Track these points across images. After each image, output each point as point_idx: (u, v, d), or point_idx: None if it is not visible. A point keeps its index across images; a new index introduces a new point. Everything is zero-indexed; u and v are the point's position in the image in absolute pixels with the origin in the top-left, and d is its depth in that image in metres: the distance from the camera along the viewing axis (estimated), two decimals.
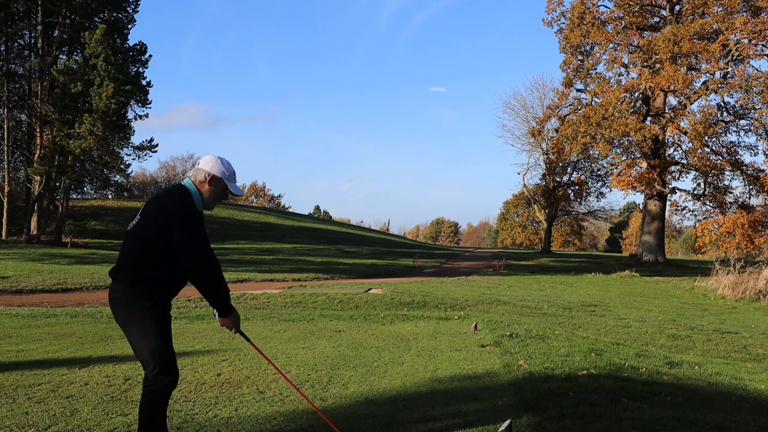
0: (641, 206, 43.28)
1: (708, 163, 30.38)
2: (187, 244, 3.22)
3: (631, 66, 30.89)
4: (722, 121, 31.49)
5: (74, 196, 37.93)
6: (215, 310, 3.44)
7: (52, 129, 28.03)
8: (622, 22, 31.07)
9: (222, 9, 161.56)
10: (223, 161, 3.43)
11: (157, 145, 31.84)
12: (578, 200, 47.82)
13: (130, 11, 31.21)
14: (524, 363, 5.85)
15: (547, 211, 46.49)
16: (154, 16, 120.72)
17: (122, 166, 30.63)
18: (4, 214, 29.73)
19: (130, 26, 30.87)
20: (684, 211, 33.17)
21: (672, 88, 28.17)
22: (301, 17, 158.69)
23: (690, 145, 30.91)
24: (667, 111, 31.29)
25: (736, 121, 31.71)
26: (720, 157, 31.15)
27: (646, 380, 5.50)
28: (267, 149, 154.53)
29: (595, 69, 31.25)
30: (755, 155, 36.24)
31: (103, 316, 9.33)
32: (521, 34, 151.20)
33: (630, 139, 29.79)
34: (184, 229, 3.22)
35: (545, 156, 44.57)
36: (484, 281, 20.67)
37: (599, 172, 42.73)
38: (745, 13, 28.25)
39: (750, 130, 32.02)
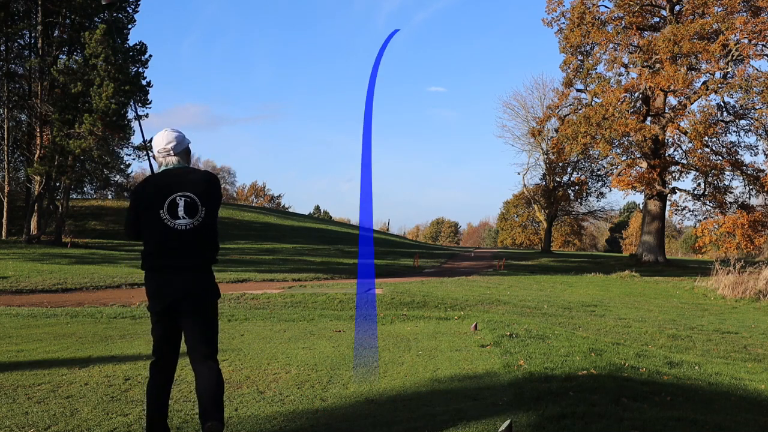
0: (641, 206, 43.32)
1: (708, 163, 30.38)
2: None
3: (631, 66, 30.89)
4: (722, 121, 31.48)
5: (74, 196, 37.92)
6: None
7: (52, 129, 28.03)
8: (622, 22, 31.06)
9: (220, 9, 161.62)
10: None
11: None
12: (578, 200, 47.82)
13: (130, 11, 31.22)
14: (524, 363, 5.85)
15: (547, 211, 46.49)
16: (153, 16, 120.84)
17: (122, 166, 30.65)
18: (4, 214, 29.73)
19: (130, 26, 30.88)
20: (684, 211, 33.19)
21: (672, 88, 28.16)
22: (300, 17, 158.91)
23: (690, 145, 30.91)
24: (667, 111, 31.28)
25: (736, 121, 31.71)
26: (720, 157, 31.14)
27: (646, 380, 5.50)
28: (267, 149, 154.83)
29: (595, 69, 31.25)
30: (755, 155, 36.28)
31: (103, 316, 9.33)
32: (521, 34, 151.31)
33: (630, 139, 29.79)
34: None
35: (545, 156, 44.57)
36: (484, 281, 20.67)
37: (599, 172, 42.73)
38: (745, 13, 28.25)
39: (750, 130, 32.02)
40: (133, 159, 36.95)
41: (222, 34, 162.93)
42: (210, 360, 3.50)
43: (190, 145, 3.69)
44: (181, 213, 3.43)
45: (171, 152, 3.55)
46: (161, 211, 3.42)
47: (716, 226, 29.54)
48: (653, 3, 31.64)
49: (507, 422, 3.75)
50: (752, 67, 28.70)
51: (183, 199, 3.45)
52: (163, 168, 3.58)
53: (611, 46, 31.06)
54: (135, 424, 4.00)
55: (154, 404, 3.50)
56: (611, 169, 36.49)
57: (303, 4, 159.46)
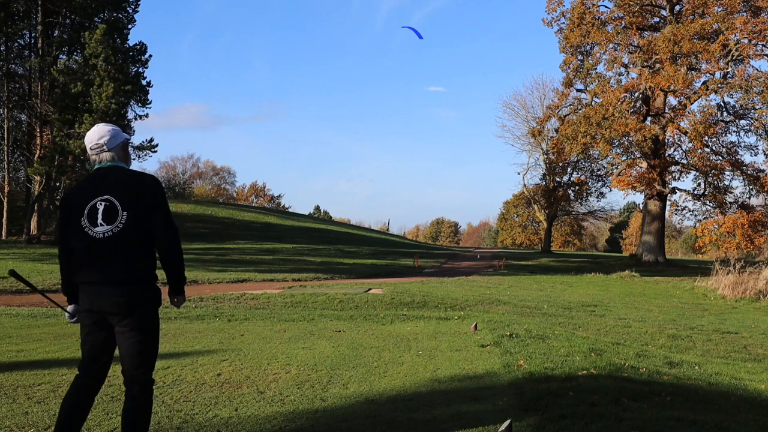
0: (641, 206, 43.30)
1: (708, 163, 30.37)
2: None
3: (631, 66, 30.88)
4: (722, 121, 31.47)
5: None
6: None
7: (52, 129, 28.04)
8: (622, 22, 31.05)
9: (217, 9, 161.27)
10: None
11: (157, 145, 31.83)
12: (578, 200, 47.84)
13: (130, 11, 31.24)
14: (524, 363, 5.85)
15: (547, 211, 46.49)
16: (150, 16, 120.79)
17: None
18: (4, 214, 29.74)
19: (130, 26, 30.88)
20: (684, 211, 33.16)
21: (672, 88, 28.15)
22: (297, 17, 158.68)
23: (690, 145, 30.89)
24: (667, 111, 31.27)
25: (736, 121, 31.69)
26: (720, 157, 31.13)
27: (646, 380, 5.50)
28: (267, 149, 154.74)
29: (595, 69, 31.22)
30: (755, 155, 36.35)
31: None
32: (521, 34, 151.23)
33: (630, 139, 29.76)
34: None
35: (545, 156, 44.58)
36: (484, 281, 20.66)
37: (599, 172, 42.71)
38: (745, 13, 28.24)
39: (750, 130, 31.98)
40: (133, 159, 36.90)
41: (220, 33, 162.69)
42: (135, 383, 3.22)
43: (129, 141, 3.43)
44: (99, 219, 3.14)
45: (104, 147, 3.27)
46: (82, 219, 3.17)
47: (716, 226, 29.52)
48: (653, 3, 31.62)
49: (507, 422, 3.75)
50: (752, 67, 28.68)
51: (103, 203, 3.16)
52: (96, 166, 3.31)
53: (611, 46, 31.05)
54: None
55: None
56: (611, 169, 36.45)
57: (298, 4, 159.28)
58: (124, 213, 3.15)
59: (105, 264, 3.13)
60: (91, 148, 3.31)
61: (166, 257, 3.30)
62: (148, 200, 3.21)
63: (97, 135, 3.29)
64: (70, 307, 3.37)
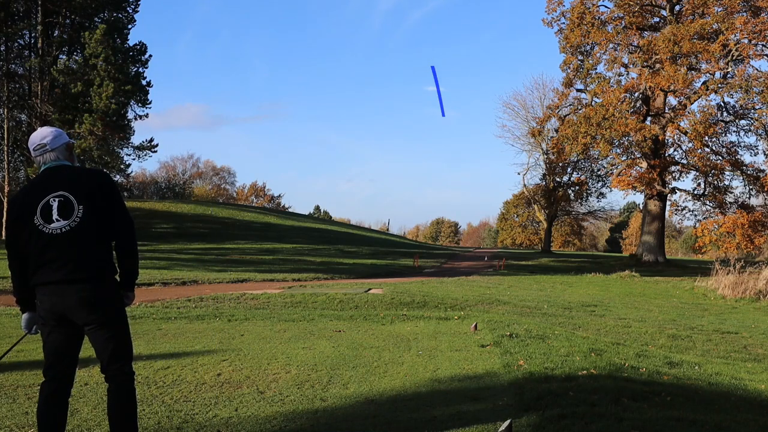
0: (641, 206, 43.30)
1: (708, 163, 30.36)
2: None
3: (631, 66, 30.88)
4: (722, 121, 31.47)
5: None
6: None
7: None
8: (622, 22, 31.05)
9: (213, 8, 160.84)
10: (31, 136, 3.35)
11: (157, 145, 31.91)
12: (578, 200, 47.86)
13: (130, 11, 31.27)
14: (524, 363, 5.85)
15: (547, 211, 46.50)
16: (148, 16, 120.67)
17: (122, 166, 30.68)
18: (4, 214, 29.75)
19: (130, 26, 30.93)
20: (684, 211, 33.15)
21: (672, 88, 28.16)
22: (295, 17, 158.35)
23: (690, 145, 30.89)
24: (667, 111, 31.27)
25: (736, 121, 31.69)
26: (720, 157, 31.12)
27: (646, 380, 5.50)
28: (267, 149, 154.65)
29: (595, 69, 31.22)
30: (755, 155, 36.14)
31: None
32: (521, 34, 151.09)
33: (630, 139, 29.77)
34: None
35: (545, 156, 44.58)
36: (484, 281, 20.66)
37: (599, 172, 42.73)
38: (745, 13, 28.23)
39: (750, 130, 31.97)
40: (133, 159, 36.99)
41: (217, 33, 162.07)
42: (116, 377, 3.21)
43: (73, 145, 3.38)
44: (54, 215, 3.05)
45: (47, 147, 3.19)
46: (35, 218, 3.06)
47: (716, 226, 29.51)
48: (653, 3, 31.62)
49: (507, 422, 3.75)
50: (752, 67, 28.65)
51: (57, 199, 3.07)
52: (42, 168, 3.23)
53: (611, 46, 31.04)
54: None
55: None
56: (611, 169, 36.43)
57: (298, 4, 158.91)
58: (80, 207, 3.09)
59: (65, 261, 3.03)
60: (34, 150, 3.24)
61: (123, 252, 3.26)
62: (103, 193, 3.17)
63: (39, 136, 3.24)
64: (24, 316, 3.26)
